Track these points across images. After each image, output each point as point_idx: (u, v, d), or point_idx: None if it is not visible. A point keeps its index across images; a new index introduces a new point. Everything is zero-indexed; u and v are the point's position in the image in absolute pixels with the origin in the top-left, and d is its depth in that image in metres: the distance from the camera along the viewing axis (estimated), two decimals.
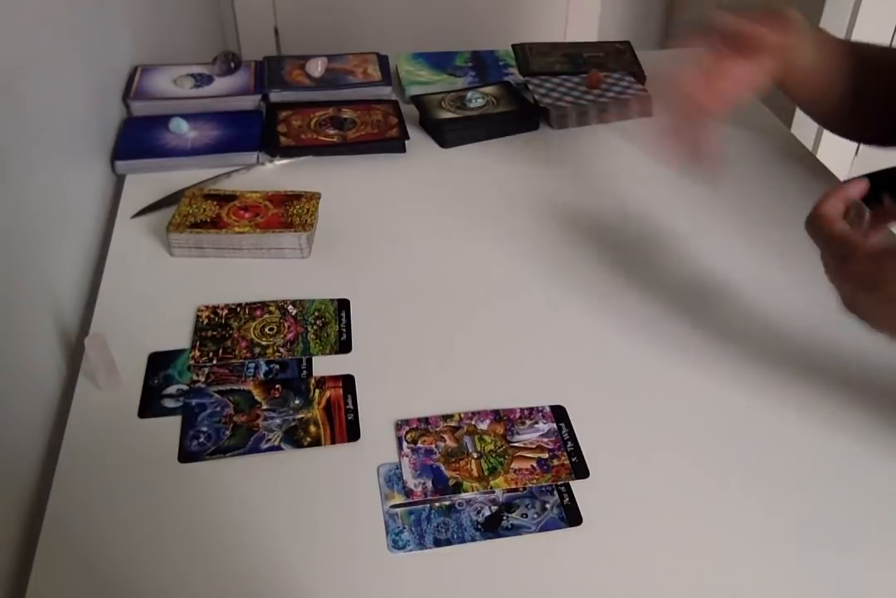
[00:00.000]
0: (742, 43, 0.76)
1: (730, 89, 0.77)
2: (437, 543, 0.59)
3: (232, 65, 1.14)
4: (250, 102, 1.10)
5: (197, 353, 0.74)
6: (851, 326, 0.60)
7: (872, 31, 1.98)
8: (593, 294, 0.81)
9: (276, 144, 1.01)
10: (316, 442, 0.66)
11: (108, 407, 0.69)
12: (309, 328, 0.77)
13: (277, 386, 0.71)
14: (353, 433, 0.67)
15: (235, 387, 0.71)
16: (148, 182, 0.96)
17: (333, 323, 0.77)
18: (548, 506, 0.62)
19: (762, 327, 0.77)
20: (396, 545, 0.59)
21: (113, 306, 0.79)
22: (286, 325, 0.77)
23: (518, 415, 0.69)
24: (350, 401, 0.69)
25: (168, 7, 1.52)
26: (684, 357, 0.74)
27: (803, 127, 1.19)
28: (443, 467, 0.64)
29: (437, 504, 0.62)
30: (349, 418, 0.68)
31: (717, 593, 0.57)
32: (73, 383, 0.71)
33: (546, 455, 0.65)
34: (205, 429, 0.67)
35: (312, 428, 0.67)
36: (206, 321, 0.77)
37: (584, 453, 0.65)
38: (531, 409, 0.69)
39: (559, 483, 0.63)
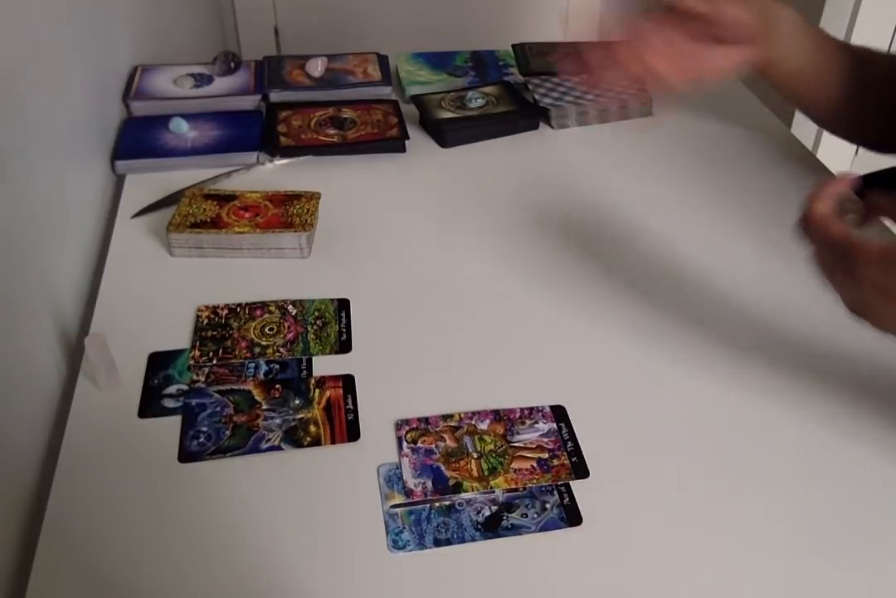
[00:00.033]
0: (709, 25, 0.75)
1: (692, 67, 0.76)
2: (437, 543, 0.59)
3: (232, 65, 1.14)
4: (250, 101, 1.10)
5: (197, 353, 0.74)
6: (852, 325, 0.60)
7: (872, 31, 1.99)
8: (594, 294, 0.81)
9: (276, 143, 1.01)
10: (316, 442, 0.66)
11: (108, 407, 0.69)
12: (309, 328, 0.77)
13: (277, 386, 0.71)
14: (353, 433, 0.67)
15: (235, 387, 0.71)
16: (148, 182, 0.96)
17: (333, 323, 0.77)
18: (548, 506, 0.62)
19: (762, 326, 0.77)
20: (396, 545, 0.59)
21: (113, 306, 0.79)
22: (286, 325, 0.77)
23: (518, 415, 0.69)
24: (350, 401, 0.69)
25: (168, 7, 1.52)
26: (685, 357, 0.74)
27: (803, 127, 1.19)
28: (443, 467, 0.64)
29: (437, 504, 0.62)
30: (349, 418, 0.68)
31: (717, 592, 0.57)
32: (73, 383, 0.71)
33: (546, 455, 0.65)
34: (205, 429, 0.67)
35: (312, 428, 0.67)
36: (206, 321, 0.77)
37: (584, 453, 0.65)
38: (531, 409, 0.69)
39: (559, 483, 0.63)
